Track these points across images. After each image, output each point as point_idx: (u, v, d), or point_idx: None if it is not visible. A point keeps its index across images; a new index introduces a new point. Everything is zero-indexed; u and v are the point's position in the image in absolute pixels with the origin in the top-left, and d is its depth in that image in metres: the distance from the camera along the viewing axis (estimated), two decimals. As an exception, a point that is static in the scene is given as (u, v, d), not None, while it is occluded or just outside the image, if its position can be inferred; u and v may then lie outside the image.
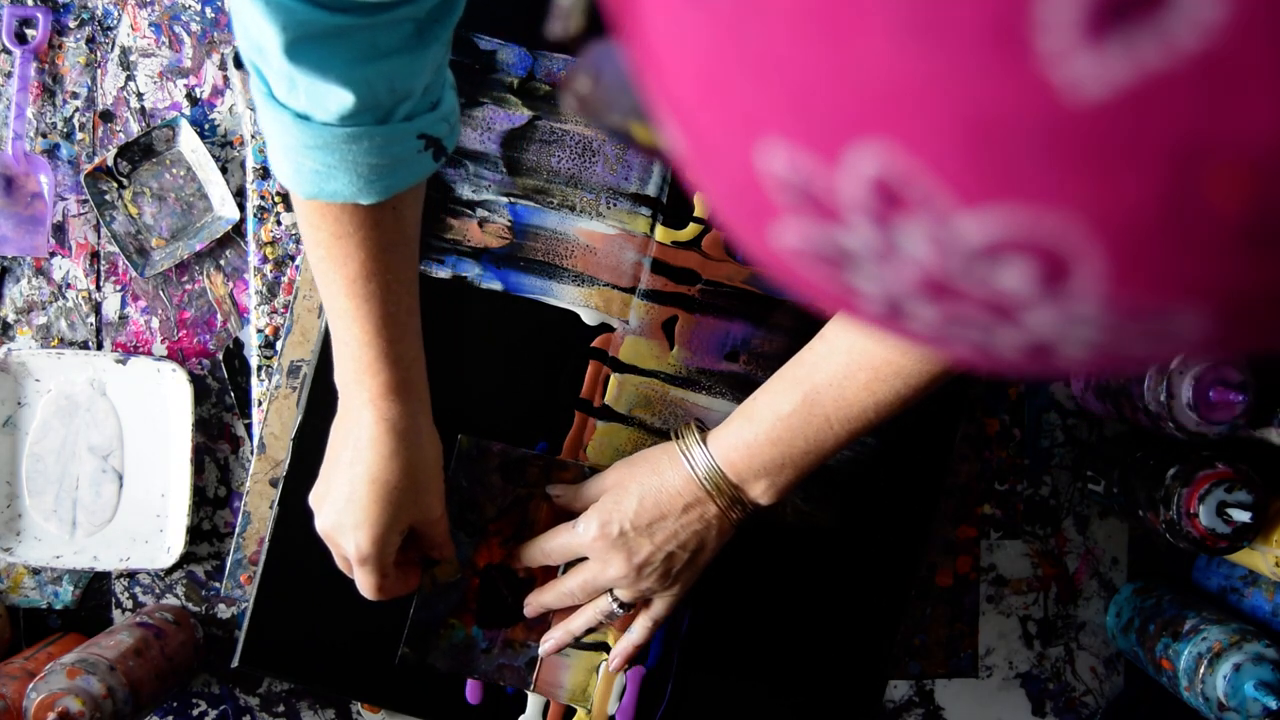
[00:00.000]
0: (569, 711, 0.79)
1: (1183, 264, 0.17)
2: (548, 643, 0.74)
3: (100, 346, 0.90)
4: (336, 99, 0.56)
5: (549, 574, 0.75)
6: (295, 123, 0.57)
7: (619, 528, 0.68)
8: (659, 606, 0.72)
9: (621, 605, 0.71)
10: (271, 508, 0.81)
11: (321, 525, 0.68)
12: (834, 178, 0.19)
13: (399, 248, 0.65)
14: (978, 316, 0.20)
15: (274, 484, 0.83)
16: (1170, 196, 0.17)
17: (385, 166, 0.60)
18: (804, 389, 0.64)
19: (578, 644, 0.79)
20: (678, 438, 0.69)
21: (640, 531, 0.68)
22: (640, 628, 0.73)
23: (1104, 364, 0.21)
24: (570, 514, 0.73)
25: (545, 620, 0.76)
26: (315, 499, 0.69)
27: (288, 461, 0.78)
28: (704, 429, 0.69)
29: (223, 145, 0.91)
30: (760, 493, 0.67)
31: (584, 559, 0.72)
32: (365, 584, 0.68)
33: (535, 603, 0.74)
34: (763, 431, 0.66)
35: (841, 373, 0.63)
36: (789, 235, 0.20)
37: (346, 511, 0.66)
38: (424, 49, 0.57)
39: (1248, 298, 0.18)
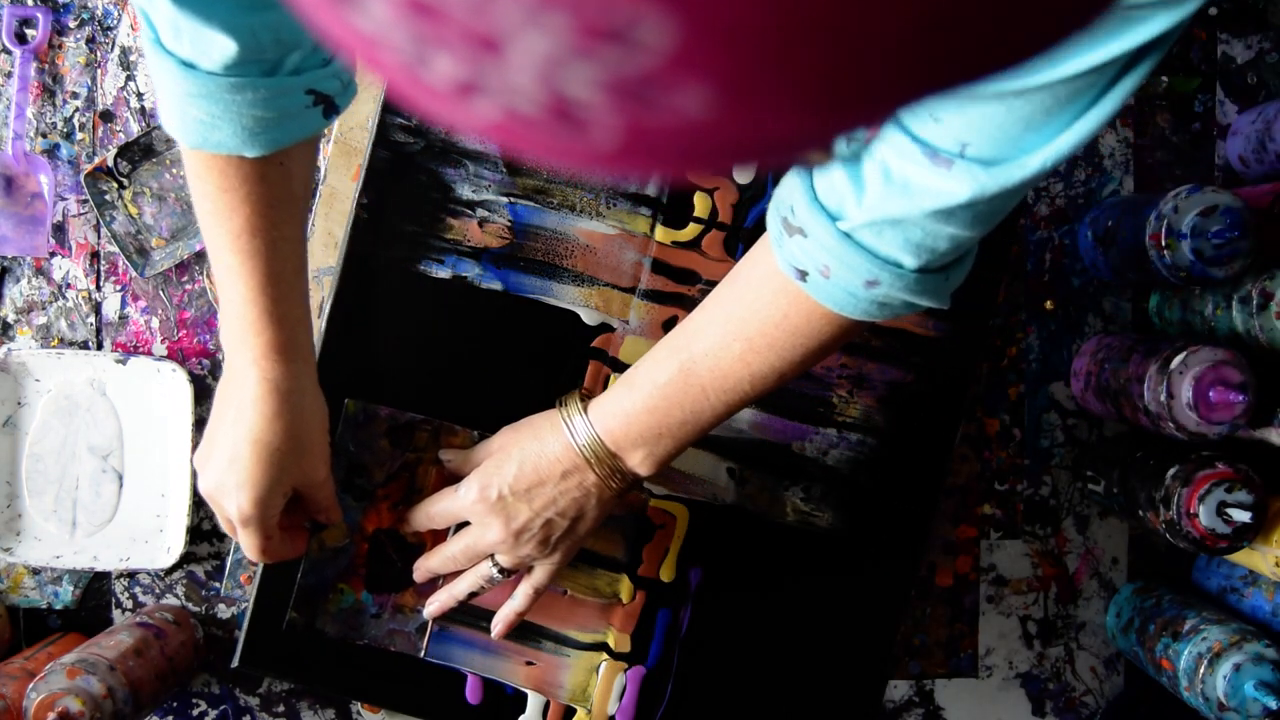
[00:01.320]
0: (569, 711, 0.79)
1: None
2: (431, 606, 0.74)
3: (100, 346, 0.90)
4: (220, 47, 0.55)
5: (439, 539, 0.75)
6: (180, 70, 0.57)
7: (497, 492, 0.68)
8: (540, 574, 0.71)
9: (502, 570, 0.70)
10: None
11: (203, 486, 0.68)
12: None
13: (286, 205, 0.64)
14: (399, 19, 0.19)
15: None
16: None
17: (271, 120, 0.60)
18: (681, 359, 0.64)
19: (576, 645, 0.79)
20: (561, 405, 0.69)
21: (519, 496, 0.68)
22: (522, 595, 0.72)
23: (534, 128, 0.20)
24: (458, 479, 0.73)
25: (435, 585, 0.76)
26: (199, 459, 0.69)
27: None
28: (588, 397, 0.69)
29: (223, 145, 0.91)
30: (639, 462, 0.67)
31: (469, 523, 0.71)
32: (248, 546, 0.68)
33: (422, 567, 0.74)
34: (640, 400, 0.65)
35: (717, 343, 0.63)
36: None
37: (229, 472, 0.66)
38: None
39: None
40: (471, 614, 0.78)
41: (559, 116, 0.20)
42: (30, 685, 0.77)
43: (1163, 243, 0.82)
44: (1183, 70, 0.96)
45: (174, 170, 0.90)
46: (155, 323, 0.91)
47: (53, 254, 0.91)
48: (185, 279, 0.91)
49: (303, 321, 0.68)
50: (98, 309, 0.91)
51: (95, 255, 0.91)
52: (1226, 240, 0.80)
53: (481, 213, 0.78)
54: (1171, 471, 0.82)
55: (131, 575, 0.91)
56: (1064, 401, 0.95)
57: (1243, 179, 0.96)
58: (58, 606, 0.92)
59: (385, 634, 0.74)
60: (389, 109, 0.77)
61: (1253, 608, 0.89)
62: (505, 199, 0.78)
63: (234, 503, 0.66)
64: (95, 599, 0.92)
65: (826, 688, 0.80)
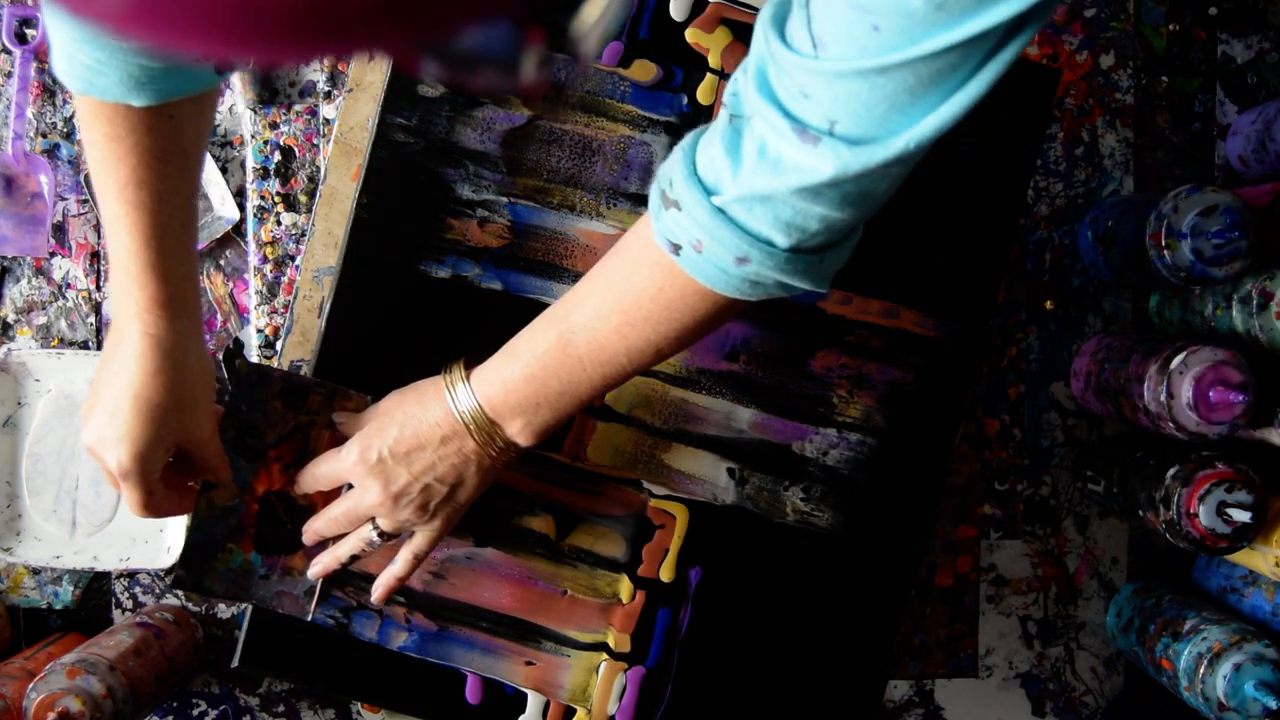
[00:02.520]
0: (569, 711, 0.79)
1: None
2: (315, 567, 0.73)
3: (100, 346, 0.91)
4: None
5: (330, 502, 0.74)
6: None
7: (377, 454, 0.68)
8: (420, 540, 0.71)
9: (382, 534, 0.70)
10: (271, 508, 0.81)
11: (86, 438, 0.68)
12: None
13: (174, 159, 0.64)
14: None
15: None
16: None
17: (158, 70, 0.60)
18: (559, 329, 0.64)
19: (576, 645, 0.79)
20: (446, 372, 0.69)
21: (398, 460, 0.68)
22: (402, 560, 0.72)
23: None
24: None
25: (324, 548, 0.75)
26: (84, 411, 0.69)
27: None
28: (473, 364, 0.69)
29: (223, 145, 0.91)
30: (517, 431, 0.67)
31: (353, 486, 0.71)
32: (130, 500, 0.68)
33: (310, 530, 0.74)
34: (519, 369, 0.65)
35: (594, 315, 0.63)
36: None
37: (109, 426, 0.66)
38: None
39: None
40: (466, 613, 0.78)
41: None
42: (30, 685, 0.77)
43: (1163, 243, 0.82)
44: (1183, 70, 0.96)
45: (174, 170, 0.90)
46: (155, 323, 0.91)
47: (53, 254, 0.91)
48: (185, 279, 0.91)
49: (189, 278, 0.67)
50: (98, 309, 0.91)
51: (95, 255, 0.91)
52: (1226, 240, 0.80)
53: (481, 213, 0.78)
54: (1171, 471, 0.82)
55: (131, 575, 0.91)
56: (1064, 401, 0.95)
57: (1243, 179, 0.96)
58: (58, 606, 0.92)
59: (273, 595, 0.74)
60: (389, 109, 0.77)
61: (1253, 608, 0.89)
62: (505, 199, 0.78)
63: (113, 456, 0.66)
64: (95, 599, 0.92)
65: (826, 688, 0.80)
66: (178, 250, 0.66)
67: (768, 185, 0.52)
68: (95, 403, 0.67)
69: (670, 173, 0.57)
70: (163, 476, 0.68)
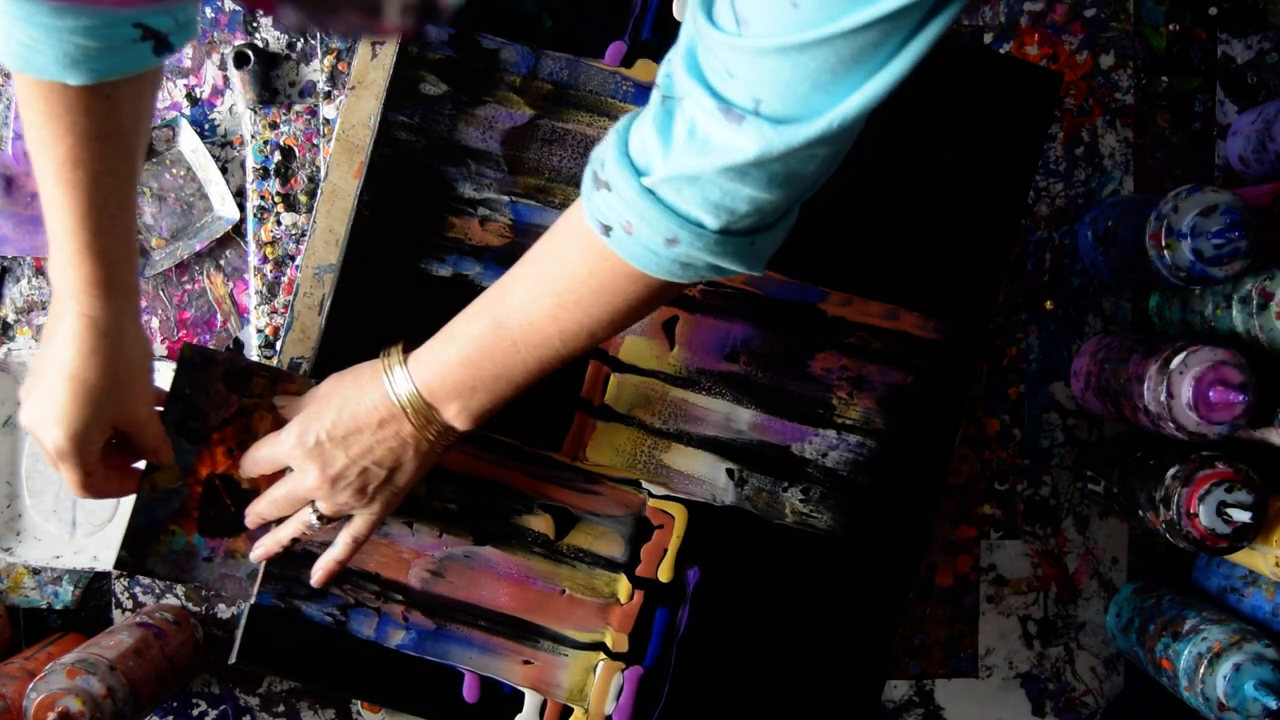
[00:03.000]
0: (566, 711, 0.79)
1: None
2: (257, 550, 0.73)
3: (100, 346, 0.91)
4: None
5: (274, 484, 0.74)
6: None
7: (315, 437, 0.68)
8: (359, 524, 0.71)
9: (321, 517, 0.70)
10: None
11: (23, 418, 0.68)
12: None
13: (111, 139, 0.64)
14: None
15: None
16: None
17: (95, 50, 0.60)
18: (494, 312, 0.64)
19: (574, 644, 0.79)
20: (384, 355, 0.69)
21: (336, 443, 0.67)
22: (341, 544, 0.72)
23: None
24: None
25: (267, 531, 0.75)
26: (23, 392, 0.69)
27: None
28: (411, 348, 0.68)
29: (223, 145, 0.91)
30: (454, 415, 0.67)
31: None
32: (68, 480, 0.68)
33: (252, 512, 0.73)
34: (454, 352, 0.65)
35: (528, 298, 0.63)
36: None
37: (45, 406, 0.66)
38: None
39: None
40: (464, 611, 0.78)
41: None
42: (30, 685, 0.78)
43: (1163, 243, 0.82)
44: (1183, 70, 0.96)
45: (174, 170, 0.90)
46: (155, 323, 0.91)
47: (53, 253, 0.91)
48: (185, 279, 0.91)
49: (126, 259, 0.67)
50: (98, 308, 0.91)
51: (95, 255, 0.91)
52: (1226, 240, 0.80)
53: (483, 211, 0.78)
54: (1171, 471, 0.82)
55: (131, 575, 0.91)
56: (1064, 401, 0.95)
57: (1243, 179, 0.96)
58: (58, 606, 0.92)
59: (216, 578, 0.74)
60: (392, 107, 0.77)
61: (1253, 608, 0.89)
62: (507, 198, 0.78)
63: (50, 437, 0.66)
64: (95, 599, 0.92)
65: (826, 688, 0.80)
66: (115, 230, 0.66)
67: (695, 165, 0.51)
68: (34, 384, 0.67)
69: (603, 154, 0.56)
70: (104, 458, 0.68)
